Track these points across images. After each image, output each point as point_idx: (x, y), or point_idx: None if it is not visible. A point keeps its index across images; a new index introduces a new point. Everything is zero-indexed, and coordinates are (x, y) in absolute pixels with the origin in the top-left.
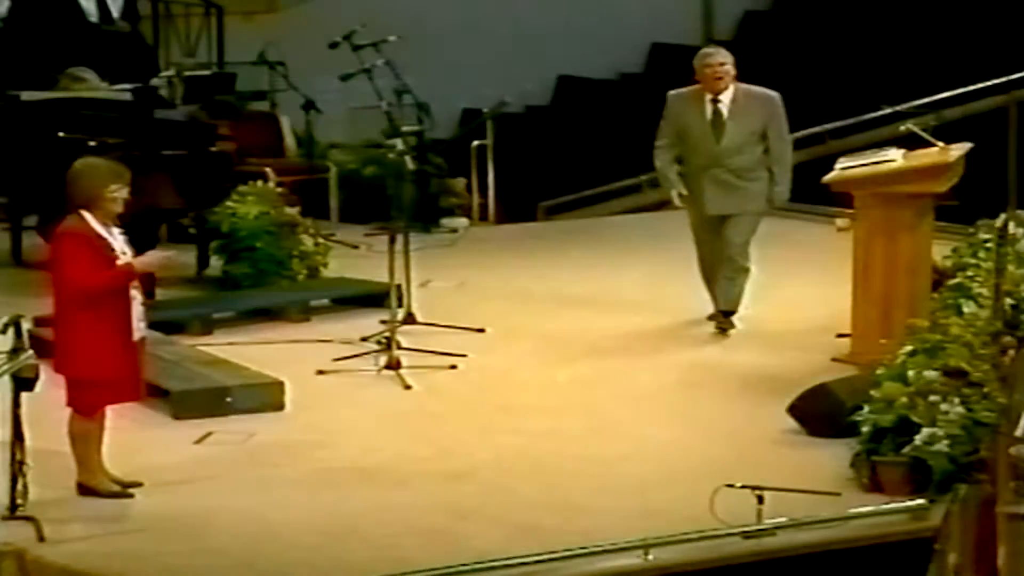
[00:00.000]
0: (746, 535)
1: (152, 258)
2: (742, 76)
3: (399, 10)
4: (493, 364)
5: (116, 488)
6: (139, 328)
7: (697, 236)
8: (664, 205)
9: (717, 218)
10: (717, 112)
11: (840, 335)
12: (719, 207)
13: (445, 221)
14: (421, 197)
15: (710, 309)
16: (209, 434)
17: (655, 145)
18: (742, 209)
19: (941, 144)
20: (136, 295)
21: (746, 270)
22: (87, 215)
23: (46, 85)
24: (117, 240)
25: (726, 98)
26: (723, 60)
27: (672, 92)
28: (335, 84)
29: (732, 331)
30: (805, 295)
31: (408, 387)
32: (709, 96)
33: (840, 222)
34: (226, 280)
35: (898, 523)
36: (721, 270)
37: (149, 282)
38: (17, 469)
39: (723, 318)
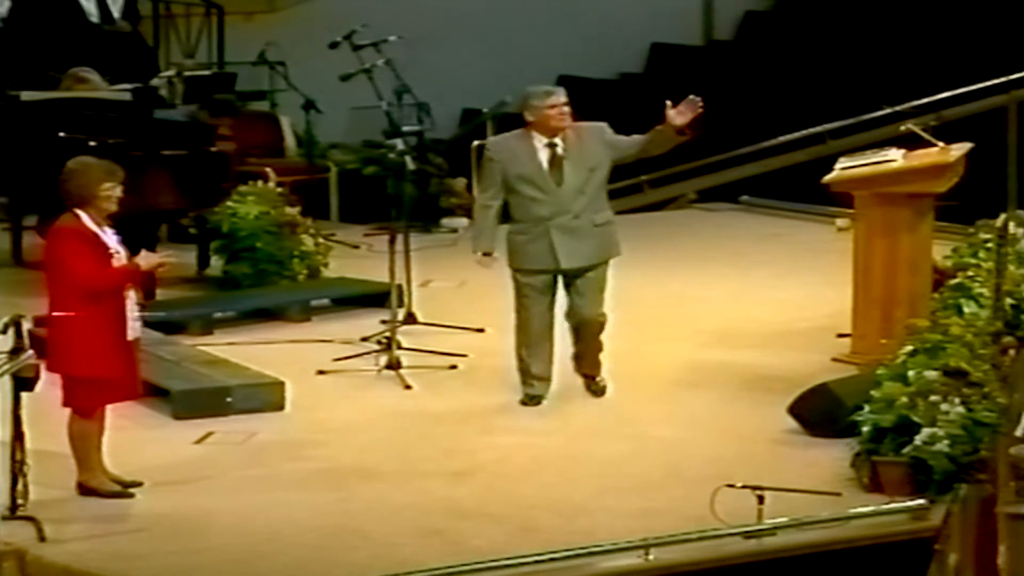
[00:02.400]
0: (746, 535)
1: (153, 259)
2: (741, 76)
3: (399, 10)
4: (493, 364)
5: (116, 488)
6: (134, 328)
7: (527, 300)
8: (665, 205)
9: (552, 279)
10: (554, 155)
11: (840, 335)
12: (574, 258)
13: (445, 221)
14: (421, 197)
15: (711, 308)
16: (209, 434)
17: (477, 202)
18: (597, 259)
19: (941, 144)
20: (131, 294)
21: (602, 327)
22: (81, 214)
23: (46, 85)
24: (111, 239)
25: (558, 139)
26: (566, 100)
27: (493, 140)
28: (335, 84)
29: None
30: (805, 295)
31: (408, 387)
32: (544, 140)
33: (840, 222)
34: (226, 280)
35: (898, 523)
36: (577, 345)
37: (149, 282)
38: (17, 469)
39: (593, 381)
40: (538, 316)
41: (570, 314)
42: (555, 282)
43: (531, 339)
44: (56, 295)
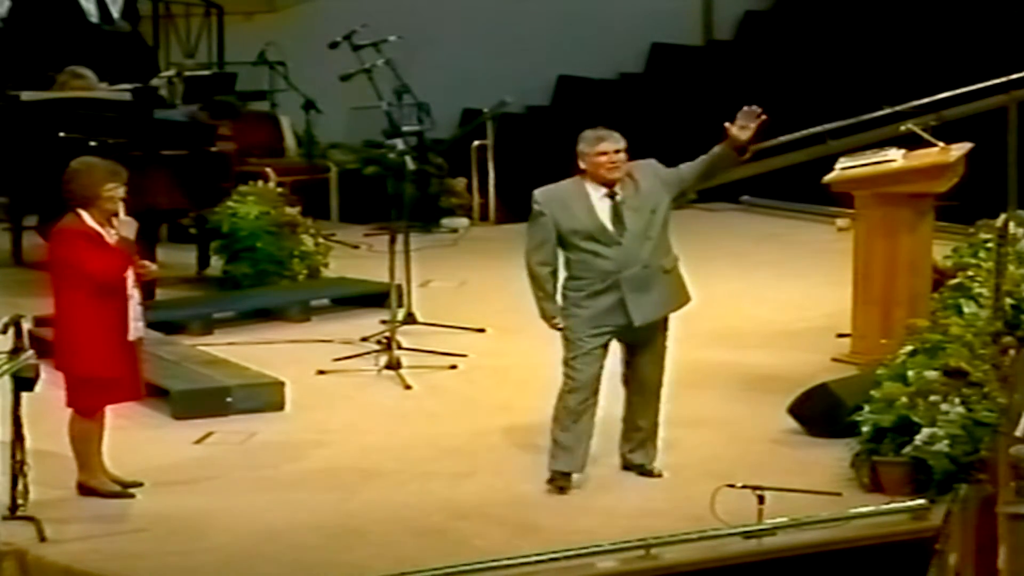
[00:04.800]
0: (746, 535)
1: (130, 224)
2: (741, 76)
3: (399, 10)
4: (493, 364)
5: (116, 488)
6: (137, 328)
7: (583, 363)
8: None
9: (613, 338)
10: (614, 204)
11: (840, 335)
12: (648, 312)
13: (445, 221)
14: (421, 197)
15: (711, 308)
16: (209, 434)
17: (531, 261)
18: (669, 308)
19: (941, 144)
20: (134, 294)
21: (661, 385)
22: (84, 214)
23: (46, 85)
24: (113, 239)
25: (617, 187)
26: (618, 146)
27: (541, 192)
28: (335, 84)
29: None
30: (805, 295)
31: (408, 387)
32: (600, 191)
33: (840, 222)
34: (226, 280)
35: (898, 523)
36: (633, 415)
37: (149, 282)
38: (17, 469)
39: (650, 474)
40: (593, 380)
41: (631, 374)
42: (604, 349)
43: (580, 407)
44: (60, 295)
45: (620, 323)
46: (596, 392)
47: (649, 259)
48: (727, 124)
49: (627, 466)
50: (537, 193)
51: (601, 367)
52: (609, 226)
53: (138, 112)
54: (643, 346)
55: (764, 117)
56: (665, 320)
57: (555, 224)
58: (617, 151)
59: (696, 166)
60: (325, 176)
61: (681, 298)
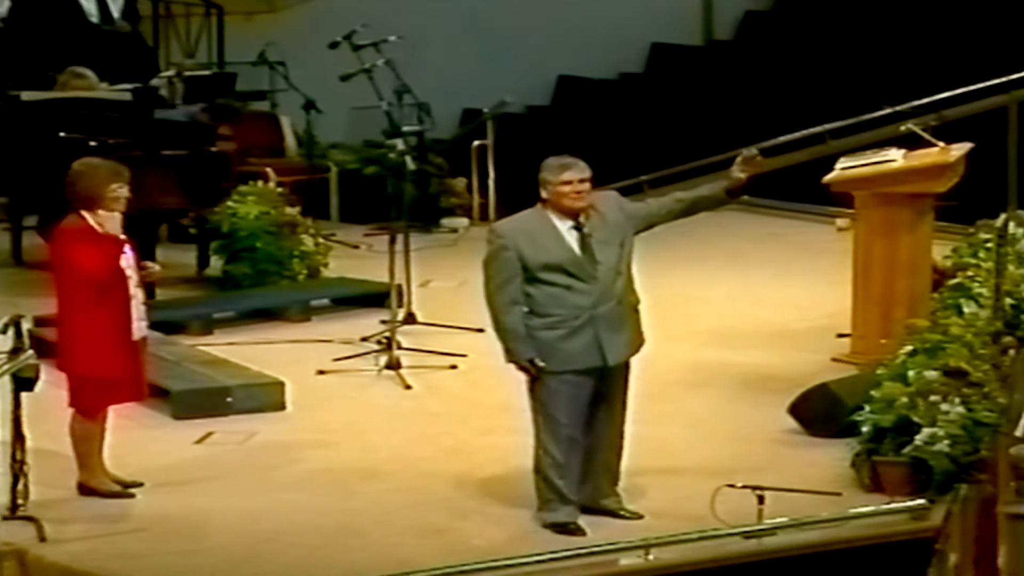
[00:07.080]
0: (747, 535)
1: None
2: (741, 76)
3: (399, 10)
4: (493, 364)
5: (117, 488)
6: (140, 328)
7: (560, 408)
8: None
9: (591, 380)
10: (582, 236)
11: (840, 335)
12: (620, 352)
13: (445, 221)
14: (421, 197)
15: (711, 308)
16: (209, 434)
17: (499, 301)
18: (634, 347)
19: (941, 144)
20: (138, 294)
21: (620, 458)
22: (87, 215)
23: (46, 85)
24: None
25: (582, 217)
26: (584, 175)
27: (503, 225)
28: (335, 84)
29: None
30: (805, 295)
31: (408, 387)
32: (568, 222)
33: (840, 222)
34: (226, 280)
35: (898, 523)
36: (594, 463)
37: (150, 281)
38: (18, 469)
39: (618, 508)
40: (573, 426)
41: (593, 421)
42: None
43: (563, 454)
44: (63, 296)
45: (594, 364)
46: (578, 437)
47: (621, 295)
48: (733, 167)
49: (589, 510)
50: (497, 226)
51: (582, 410)
52: (584, 260)
53: (138, 112)
54: (609, 387)
55: (760, 159)
56: (628, 363)
57: (520, 258)
58: (582, 180)
59: (670, 204)
60: (325, 176)
61: (642, 339)
